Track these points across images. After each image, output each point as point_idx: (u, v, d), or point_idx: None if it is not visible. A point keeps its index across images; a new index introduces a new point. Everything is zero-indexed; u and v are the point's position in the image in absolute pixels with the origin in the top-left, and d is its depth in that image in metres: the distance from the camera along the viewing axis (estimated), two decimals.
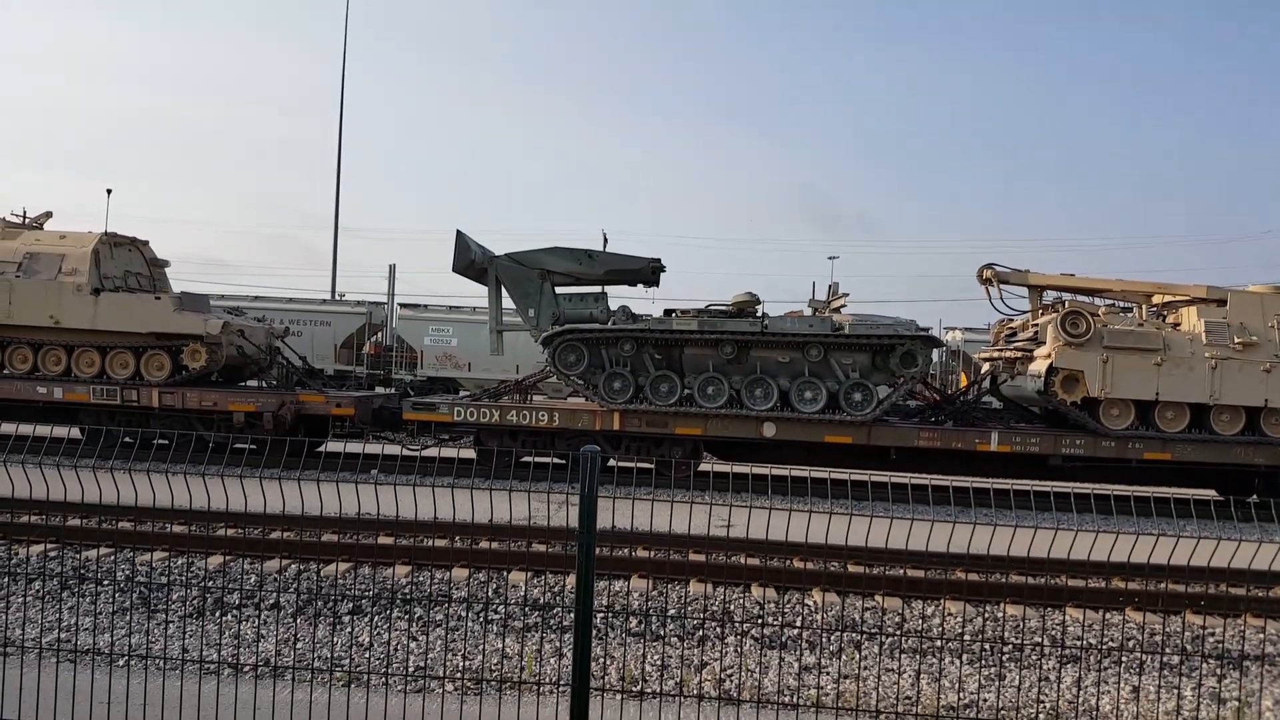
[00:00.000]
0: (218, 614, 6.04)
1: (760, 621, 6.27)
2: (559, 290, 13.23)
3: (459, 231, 12.82)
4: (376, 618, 6.10)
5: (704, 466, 13.56)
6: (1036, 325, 13.48)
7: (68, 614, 5.86)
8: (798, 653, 5.80)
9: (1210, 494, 13.57)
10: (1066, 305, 12.94)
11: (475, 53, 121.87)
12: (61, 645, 5.10)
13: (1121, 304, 14.21)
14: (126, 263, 14.67)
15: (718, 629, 6.10)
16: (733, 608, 6.65)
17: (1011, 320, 14.64)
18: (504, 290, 13.34)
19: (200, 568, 6.90)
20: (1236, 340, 12.27)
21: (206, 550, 7.19)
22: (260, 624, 5.93)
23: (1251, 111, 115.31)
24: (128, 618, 5.89)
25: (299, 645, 5.58)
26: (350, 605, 6.26)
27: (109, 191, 16.16)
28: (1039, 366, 12.68)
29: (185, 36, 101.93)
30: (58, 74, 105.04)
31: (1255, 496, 13.14)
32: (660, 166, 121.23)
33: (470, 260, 13.01)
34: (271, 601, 6.30)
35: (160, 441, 13.44)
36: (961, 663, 5.73)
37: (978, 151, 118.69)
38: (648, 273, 13.28)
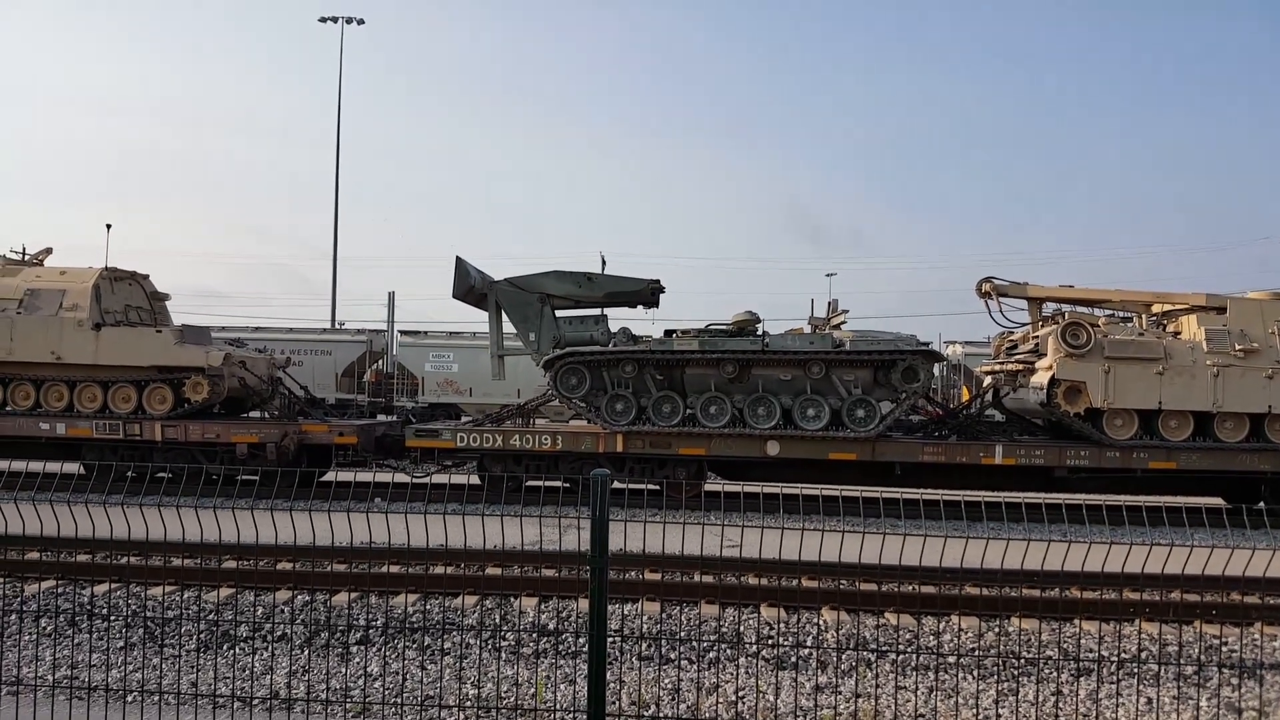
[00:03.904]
0: (225, 647, 6.01)
1: (771, 642, 6.23)
2: (559, 314, 13.27)
3: (458, 258, 12.87)
4: (385, 647, 6.07)
5: (709, 486, 13.52)
6: (1037, 338, 13.51)
7: (74, 650, 5.82)
8: (809, 673, 5.76)
9: (1217, 502, 13.52)
10: (1066, 317, 12.96)
11: (468, 76, 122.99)
12: (69, 682, 5.07)
13: (1121, 314, 14.24)
14: (127, 297, 14.72)
15: (729, 651, 6.06)
16: (743, 629, 6.61)
17: (1012, 333, 14.67)
18: (504, 315, 13.37)
19: (207, 601, 6.87)
20: (1237, 347, 12.28)
21: (213, 583, 7.16)
22: (269, 656, 5.90)
23: (1243, 117, 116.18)
24: (135, 653, 5.86)
25: (308, 677, 5.54)
26: (358, 635, 6.22)
27: (109, 226, 16.26)
28: (1041, 379, 12.69)
29: (176, 67, 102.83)
30: (62, 106, 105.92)
31: (1262, 503, 13.10)
32: (654, 186, 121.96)
33: (470, 286, 13.05)
34: (279, 633, 6.27)
35: (164, 475, 13.42)
36: (975, 678, 5.69)
37: (971, 164, 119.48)
38: (647, 294, 13.33)
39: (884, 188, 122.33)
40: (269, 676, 5.52)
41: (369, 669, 5.70)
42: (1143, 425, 12.53)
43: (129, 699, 5.04)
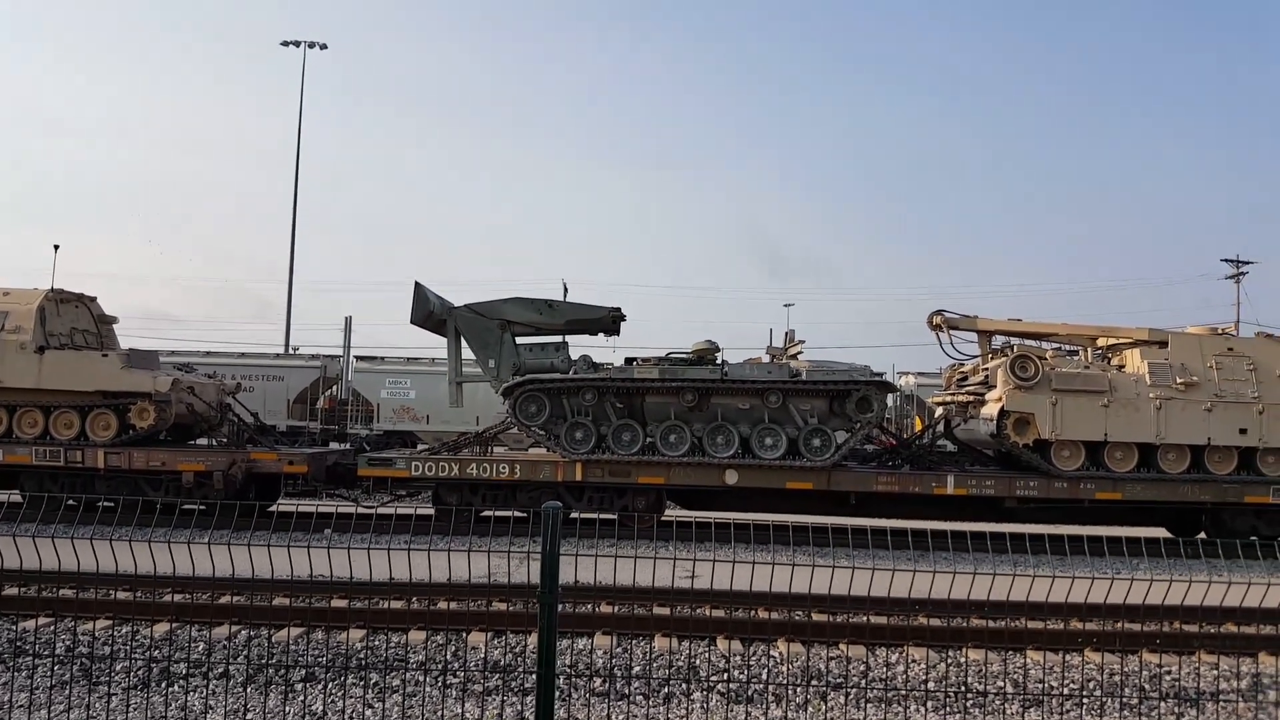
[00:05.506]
0: (164, 685, 5.80)
1: (726, 676, 6.19)
2: (519, 340, 13.22)
3: (417, 283, 12.79)
4: (331, 684, 5.91)
5: (667, 516, 13.49)
6: (987, 369, 13.78)
7: (2, 690, 5.58)
8: (764, 706, 5.74)
9: (1161, 532, 13.85)
10: (1015, 350, 13.26)
11: (433, 101, 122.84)
12: None
13: (1068, 347, 14.60)
14: (73, 319, 14.33)
15: (684, 685, 6.01)
16: (698, 662, 6.57)
17: (962, 365, 14.95)
18: (463, 341, 13.28)
19: (145, 636, 6.64)
20: (1178, 381, 12.66)
21: (152, 618, 6.92)
22: (208, 694, 5.71)
23: (1184, 154, 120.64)
24: (67, 691, 5.63)
25: (249, 716, 5.37)
26: (303, 672, 6.06)
27: (56, 247, 15.77)
28: (991, 410, 12.93)
29: (130, 87, 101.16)
30: (10, 126, 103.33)
31: (1203, 534, 13.45)
32: (618, 213, 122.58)
33: (429, 311, 12.95)
34: (220, 670, 6.07)
35: (102, 504, 13.00)
36: (926, 710, 5.72)
37: (925, 196, 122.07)
38: (608, 321, 13.35)
39: (844, 219, 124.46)
40: (207, 716, 5.34)
41: (313, 708, 5.55)
42: (1089, 456, 12.82)
43: None
